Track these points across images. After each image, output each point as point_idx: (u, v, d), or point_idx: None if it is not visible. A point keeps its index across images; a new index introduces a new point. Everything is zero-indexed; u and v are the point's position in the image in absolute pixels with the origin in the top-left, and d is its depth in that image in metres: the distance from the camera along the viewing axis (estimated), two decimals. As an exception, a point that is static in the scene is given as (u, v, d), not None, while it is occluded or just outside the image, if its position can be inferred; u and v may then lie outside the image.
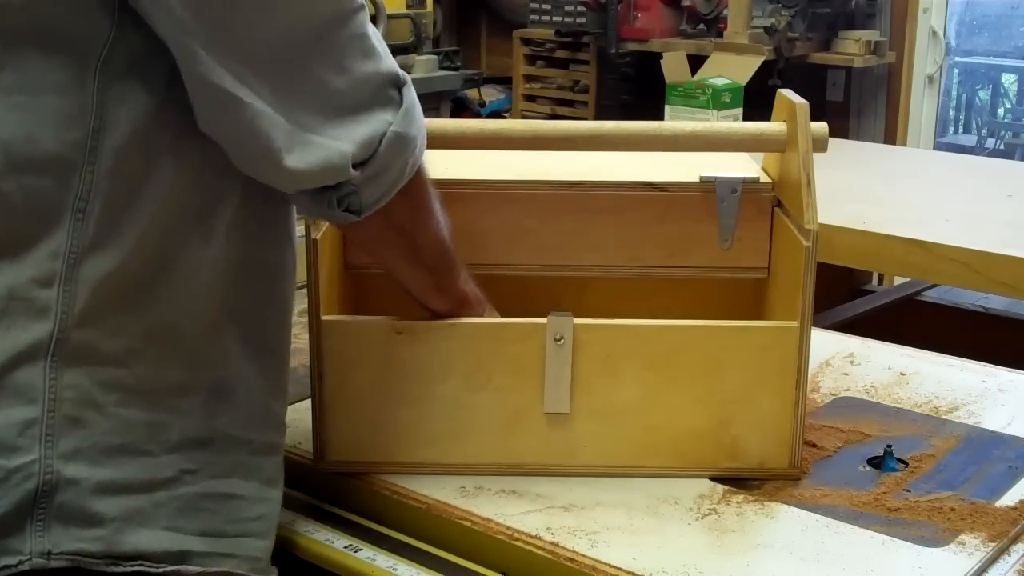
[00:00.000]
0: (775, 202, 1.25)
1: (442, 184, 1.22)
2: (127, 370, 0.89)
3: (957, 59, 5.71)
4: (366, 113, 0.91)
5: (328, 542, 1.08)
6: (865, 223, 2.00)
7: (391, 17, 3.44)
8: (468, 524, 1.07)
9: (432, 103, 3.79)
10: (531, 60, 4.33)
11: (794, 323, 1.12)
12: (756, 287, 1.30)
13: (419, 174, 1.00)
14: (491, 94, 4.49)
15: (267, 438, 1.00)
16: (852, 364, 1.45)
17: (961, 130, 6.21)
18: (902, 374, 1.42)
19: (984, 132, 6.18)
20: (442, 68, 3.92)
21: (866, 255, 2.02)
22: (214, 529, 0.94)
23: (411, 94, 0.95)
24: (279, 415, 1.03)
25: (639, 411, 1.13)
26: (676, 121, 1.53)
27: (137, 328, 0.89)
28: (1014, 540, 1.05)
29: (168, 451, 0.92)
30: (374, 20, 3.34)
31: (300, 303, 1.43)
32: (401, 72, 0.95)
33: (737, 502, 1.11)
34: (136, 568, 0.88)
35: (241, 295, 0.96)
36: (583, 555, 1.01)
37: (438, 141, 1.20)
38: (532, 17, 4.17)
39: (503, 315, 1.14)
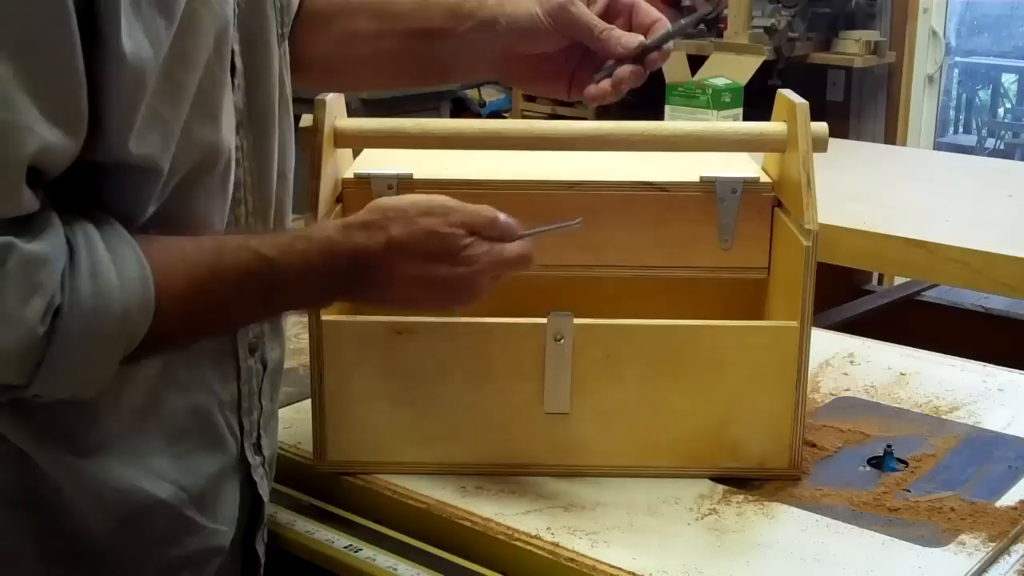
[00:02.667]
0: (775, 202, 1.25)
1: (443, 184, 1.22)
2: None
3: (957, 59, 5.72)
4: None
5: (328, 542, 1.08)
6: (865, 223, 2.00)
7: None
8: (468, 524, 1.07)
9: (432, 103, 3.79)
10: (531, 60, 4.32)
11: (794, 323, 1.12)
12: (756, 287, 1.30)
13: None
14: (491, 94, 4.48)
15: None
16: (852, 364, 1.45)
17: (961, 130, 6.21)
18: (902, 374, 1.42)
19: (984, 132, 6.19)
20: (442, 68, 3.91)
21: (866, 255, 2.02)
22: None
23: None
24: None
25: (639, 411, 1.13)
26: (676, 121, 1.53)
27: None
28: (1014, 540, 1.05)
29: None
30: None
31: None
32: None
33: (737, 502, 1.11)
34: None
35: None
36: (583, 555, 1.01)
37: (438, 141, 1.20)
38: (532, 17, 4.17)
39: (503, 315, 1.14)
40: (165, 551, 0.95)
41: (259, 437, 1.03)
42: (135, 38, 0.77)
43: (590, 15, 1.00)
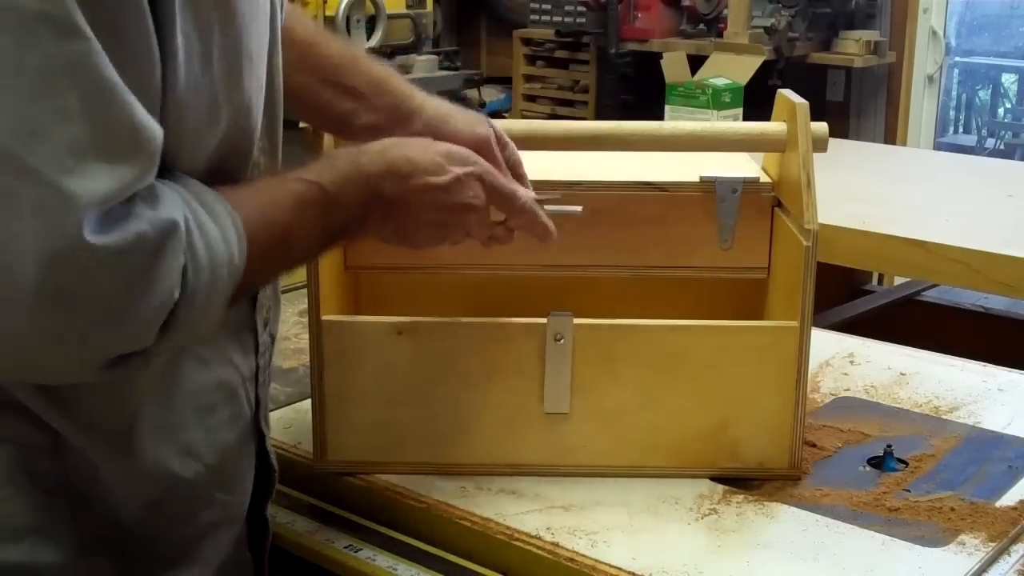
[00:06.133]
0: (775, 202, 1.25)
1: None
2: None
3: (957, 59, 5.72)
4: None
5: (328, 542, 1.08)
6: (865, 223, 2.00)
7: (391, 17, 3.43)
8: (468, 524, 1.07)
9: (432, 103, 3.79)
10: (531, 60, 4.33)
11: (794, 323, 1.12)
12: (756, 287, 1.30)
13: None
14: (491, 94, 4.48)
15: None
16: (852, 364, 1.45)
17: (961, 130, 6.21)
18: (902, 374, 1.42)
19: (984, 132, 6.19)
20: (442, 68, 3.92)
21: (866, 255, 2.02)
22: None
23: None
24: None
25: (639, 411, 1.13)
26: (676, 121, 1.53)
27: None
28: (1014, 540, 1.05)
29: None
30: (374, 20, 3.35)
31: (300, 303, 1.44)
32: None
33: (737, 502, 1.11)
34: None
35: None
36: (583, 555, 1.01)
37: (438, 141, 1.20)
38: (532, 17, 4.17)
39: (503, 315, 1.14)
40: (183, 527, 0.96)
41: (266, 408, 1.05)
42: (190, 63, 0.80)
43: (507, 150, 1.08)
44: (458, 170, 0.98)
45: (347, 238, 1.01)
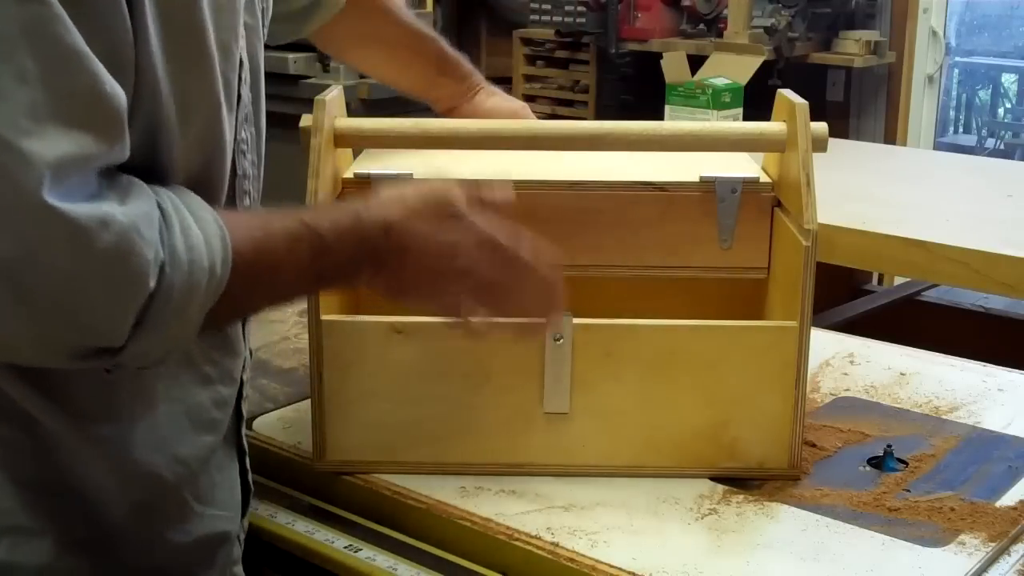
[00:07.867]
0: (775, 202, 1.25)
1: (442, 184, 1.22)
2: None
3: (957, 59, 5.72)
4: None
5: (328, 542, 1.08)
6: (865, 223, 2.00)
7: (391, 17, 3.43)
8: (468, 524, 1.07)
9: (432, 103, 3.79)
10: (531, 60, 4.33)
11: (794, 323, 1.12)
12: (756, 287, 1.30)
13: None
14: (491, 94, 4.49)
15: None
16: (852, 364, 1.45)
17: (961, 130, 6.21)
18: (902, 374, 1.42)
19: (984, 132, 6.19)
20: (442, 68, 3.92)
21: (866, 255, 2.02)
22: None
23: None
24: None
25: (639, 411, 1.13)
26: (676, 121, 1.53)
27: None
28: (1014, 540, 1.05)
29: None
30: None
31: (300, 303, 1.44)
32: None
33: (737, 502, 1.11)
34: None
35: None
36: (583, 555, 1.01)
37: (438, 141, 1.20)
38: (532, 17, 4.17)
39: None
40: (170, 539, 0.96)
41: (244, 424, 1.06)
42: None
43: None
44: (455, 235, 0.95)
45: (335, 287, 1.01)
